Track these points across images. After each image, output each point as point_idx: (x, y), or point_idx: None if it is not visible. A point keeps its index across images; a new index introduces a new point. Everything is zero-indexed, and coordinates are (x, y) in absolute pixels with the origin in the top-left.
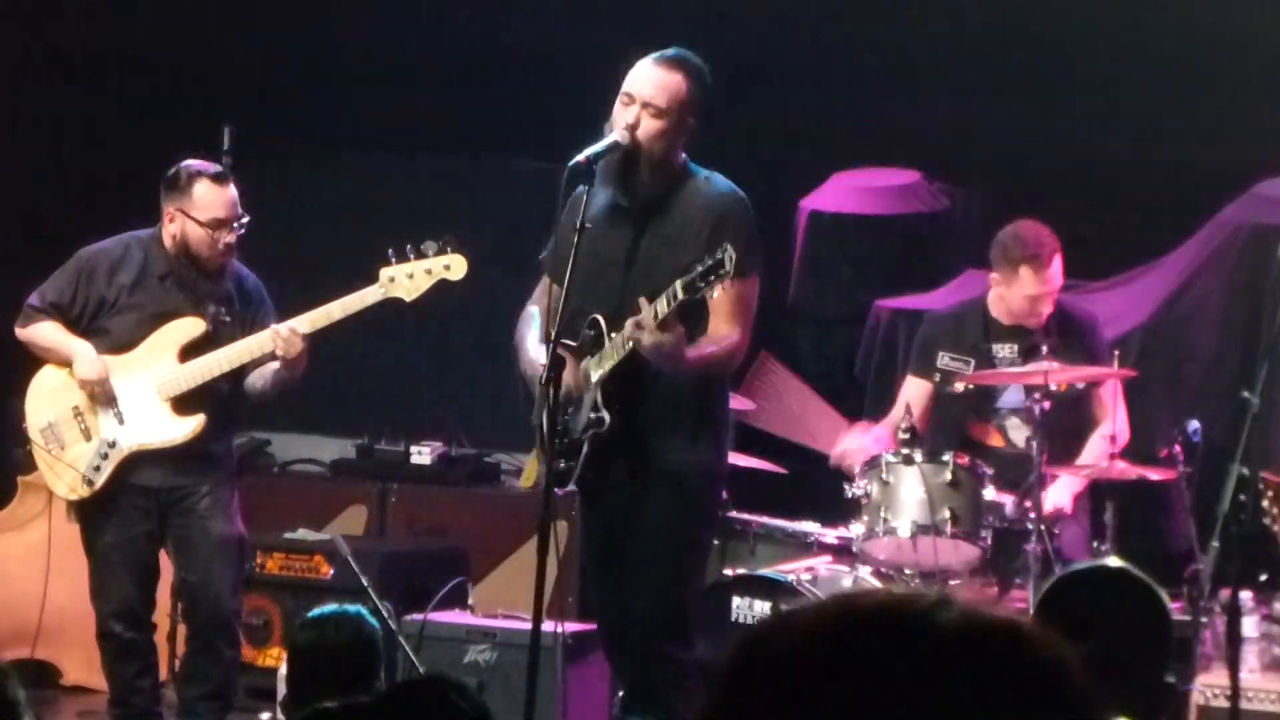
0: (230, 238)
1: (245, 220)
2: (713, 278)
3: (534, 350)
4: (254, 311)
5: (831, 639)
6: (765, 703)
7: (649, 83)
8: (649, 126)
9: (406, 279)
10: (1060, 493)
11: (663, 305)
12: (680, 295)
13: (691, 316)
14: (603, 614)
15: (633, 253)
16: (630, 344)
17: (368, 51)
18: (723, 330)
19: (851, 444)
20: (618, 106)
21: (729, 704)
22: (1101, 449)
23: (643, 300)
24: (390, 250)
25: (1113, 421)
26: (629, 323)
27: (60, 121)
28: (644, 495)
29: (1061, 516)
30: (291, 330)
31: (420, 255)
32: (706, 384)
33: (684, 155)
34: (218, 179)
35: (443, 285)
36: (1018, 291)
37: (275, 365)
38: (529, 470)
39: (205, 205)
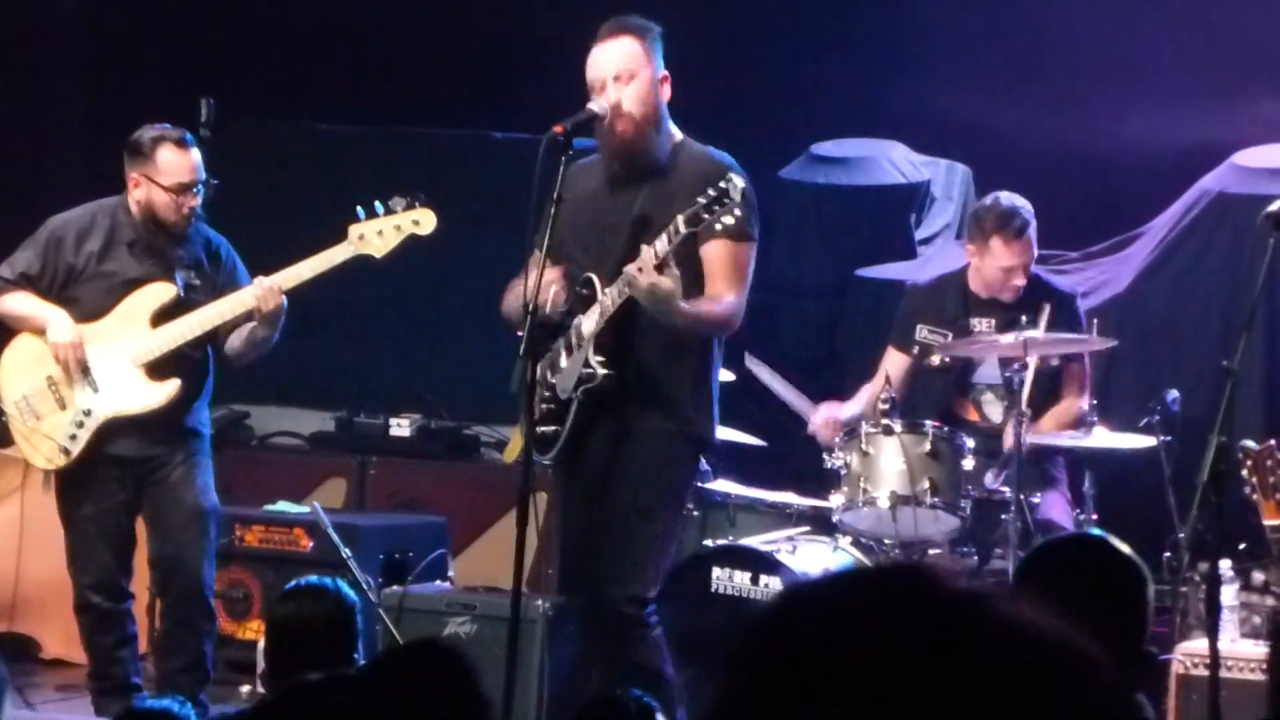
0: (194, 201)
1: (212, 183)
2: (717, 208)
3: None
4: (225, 275)
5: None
6: (792, 683)
7: (604, 61)
8: (628, 94)
9: (375, 236)
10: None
11: (662, 243)
12: (682, 229)
13: (687, 274)
14: (569, 584)
15: (630, 214)
16: (626, 290)
17: (347, 23)
18: (719, 289)
19: (829, 414)
20: (595, 101)
21: (754, 684)
22: (1069, 420)
23: (644, 246)
24: (359, 208)
25: (1086, 396)
26: (628, 267)
27: (37, 93)
28: (626, 454)
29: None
30: (272, 285)
31: (389, 211)
32: (700, 347)
33: (676, 130)
34: (180, 144)
35: (413, 241)
36: (990, 263)
37: (249, 325)
38: (512, 446)
39: (169, 170)
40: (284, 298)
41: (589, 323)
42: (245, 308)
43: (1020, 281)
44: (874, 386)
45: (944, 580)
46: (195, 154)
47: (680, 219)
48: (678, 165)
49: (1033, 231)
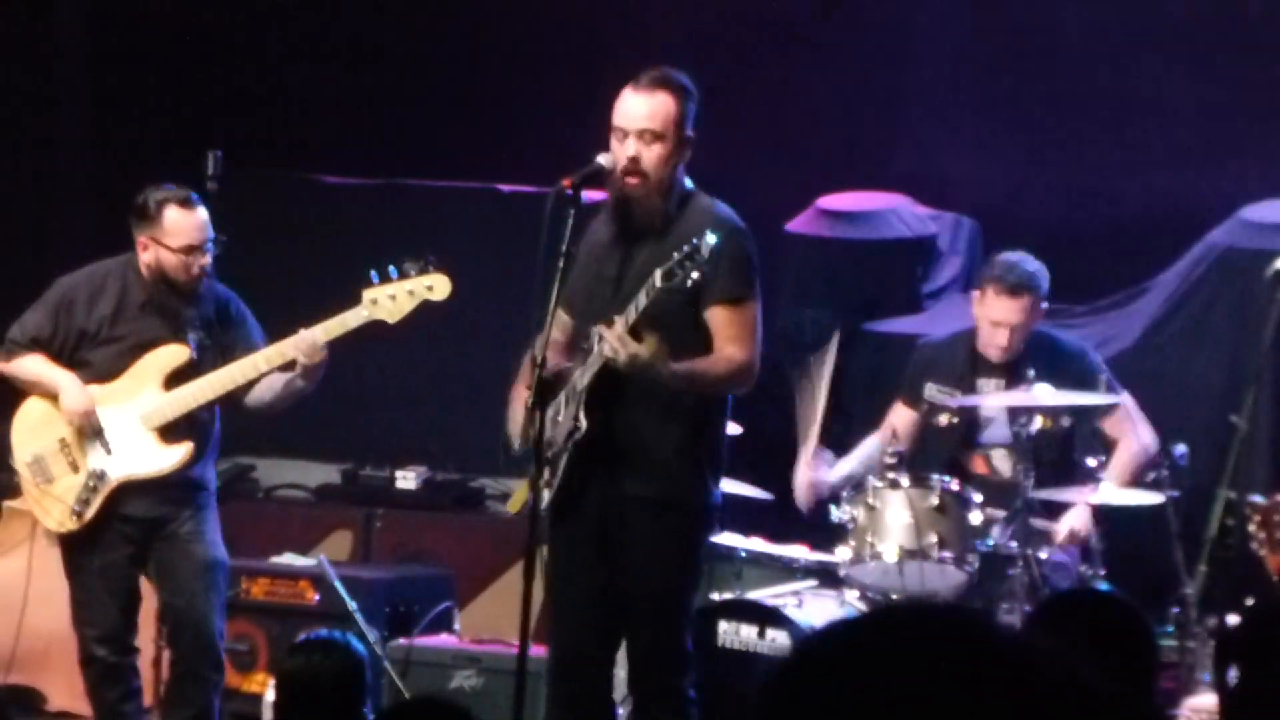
0: (205, 260)
1: (220, 240)
2: (689, 263)
3: (516, 398)
4: (236, 334)
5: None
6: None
7: (638, 112)
8: (650, 154)
9: (389, 300)
10: (1078, 517)
11: (643, 299)
12: (659, 283)
13: (687, 336)
14: (559, 638)
15: (628, 269)
16: (605, 359)
17: (353, 76)
18: (726, 350)
19: (814, 477)
20: (614, 143)
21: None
22: (1132, 463)
23: (611, 319)
24: (373, 271)
25: (1140, 433)
26: (603, 343)
27: (44, 148)
28: (632, 525)
29: (1079, 542)
30: (313, 341)
31: (403, 275)
32: (698, 406)
33: (688, 180)
34: (186, 204)
35: (426, 305)
36: (982, 313)
37: (283, 376)
38: (516, 497)
39: (176, 231)
40: (326, 351)
41: (582, 379)
42: (257, 371)
43: (1003, 342)
44: (879, 438)
45: (986, 625)
46: (202, 213)
47: (657, 274)
48: (681, 221)
49: (1032, 298)
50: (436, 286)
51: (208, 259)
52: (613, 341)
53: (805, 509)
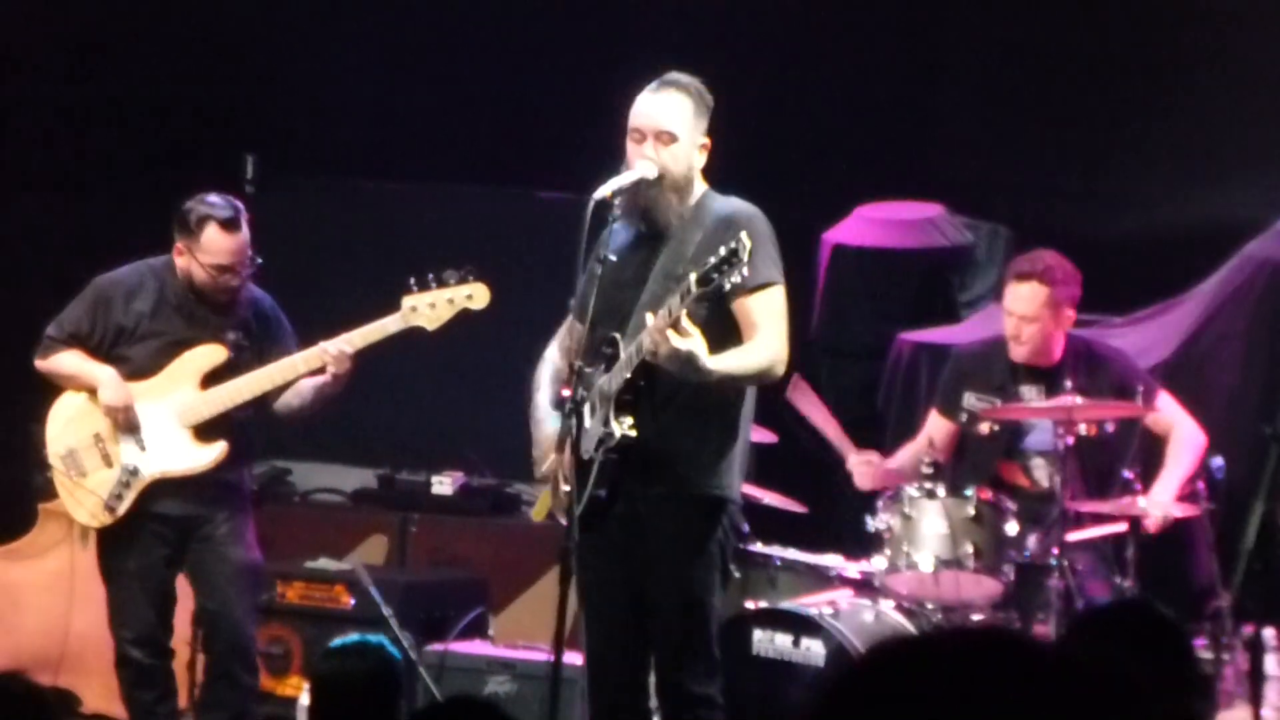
0: (235, 282)
1: (257, 261)
2: (727, 266)
3: (543, 419)
4: (272, 337)
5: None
6: None
7: (654, 113)
8: (668, 154)
9: (428, 308)
10: (1163, 494)
11: (675, 303)
12: (694, 289)
13: (719, 329)
14: (592, 649)
15: (646, 271)
16: (644, 353)
17: (390, 81)
18: (757, 340)
19: (872, 456)
20: (630, 145)
21: None
22: (1193, 451)
23: (648, 315)
24: (411, 279)
25: (1187, 424)
26: (643, 334)
27: (85, 150)
28: (653, 527)
29: (1169, 521)
30: (341, 350)
31: (442, 283)
32: (726, 404)
33: (704, 184)
34: (226, 225)
35: (465, 314)
36: (1005, 306)
37: (311, 383)
38: (540, 505)
39: (211, 250)
40: (353, 361)
41: (610, 382)
42: (296, 373)
43: (1014, 332)
44: (916, 446)
45: (1034, 643)
46: (240, 236)
47: (693, 278)
48: (696, 219)
49: (1040, 286)
50: (476, 296)
51: (239, 280)
52: (656, 335)
53: (863, 483)
